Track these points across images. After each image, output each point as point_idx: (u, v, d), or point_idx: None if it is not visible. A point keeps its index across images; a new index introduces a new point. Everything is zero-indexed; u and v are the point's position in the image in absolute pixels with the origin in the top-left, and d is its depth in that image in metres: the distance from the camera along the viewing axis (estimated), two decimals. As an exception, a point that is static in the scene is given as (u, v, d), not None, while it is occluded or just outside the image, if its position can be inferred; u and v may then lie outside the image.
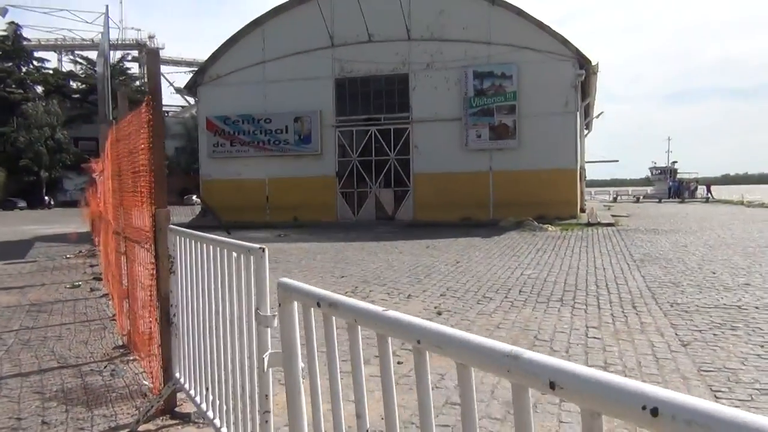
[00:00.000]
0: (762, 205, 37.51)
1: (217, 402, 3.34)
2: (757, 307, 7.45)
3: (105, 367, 5.45)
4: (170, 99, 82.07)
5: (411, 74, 24.20)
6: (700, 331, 6.34)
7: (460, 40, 23.41)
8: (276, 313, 2.06)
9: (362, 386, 1.47)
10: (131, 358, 5.71)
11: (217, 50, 26.45)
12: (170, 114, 74.42)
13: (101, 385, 4.92)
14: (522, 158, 22.83)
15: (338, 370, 1.59)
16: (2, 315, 7.88)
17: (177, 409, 4.30)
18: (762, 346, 5.69)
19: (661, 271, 10.62)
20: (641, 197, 54.93)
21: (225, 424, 3.21)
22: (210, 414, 3.49)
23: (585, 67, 22.41)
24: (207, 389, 3.55)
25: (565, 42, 22.40)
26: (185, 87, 28.24)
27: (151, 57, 4.33)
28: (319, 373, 1.71)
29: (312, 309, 1.62)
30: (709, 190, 50.83)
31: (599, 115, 33.71)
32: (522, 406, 0.91)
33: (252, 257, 2.59)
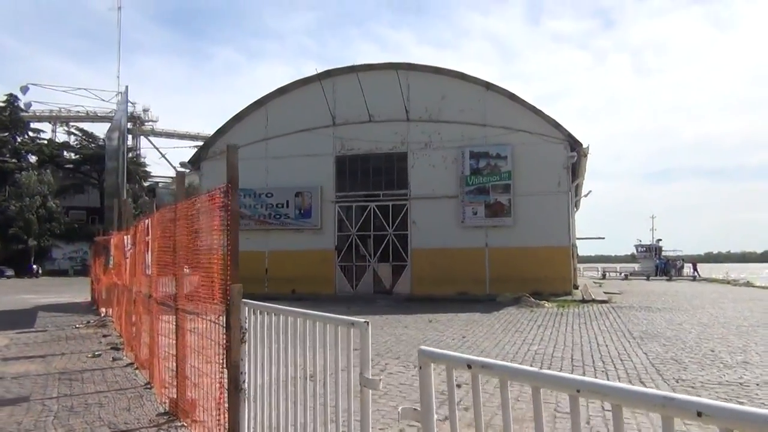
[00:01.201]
0: (747, 284, 38.34)
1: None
2: (758, 384, 7.89)
3: (157, 432, 5.77)
4: (160, 170, 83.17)
5: (410, 153, 25.17)
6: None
7: (457, 122, 24.52)
8: (381, 376, 2.50)
9: (510, 427, 1.94)
10: (179, 424, 6.01)
11: (221, 127, 27.41)
12: (161, 185, 75.31)
13: (159, 450, 5.24)
14: (517, 235, 23.54)
15: (482, 420, 2.05)
16: (36, 383, 8.14)
17: (242, 470, 4.64)
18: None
19: (662, 348, 11.06)
20: (629, 275, 55.67)
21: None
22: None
23: (576, 149, 23.49)
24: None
25: (557, 125, 23.56)
26: (189, 161, 29.01)
27: (231, 151, 4.92)
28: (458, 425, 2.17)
29: (454, 370, 2.11)
30: (695, 268, 51.72)
31: (588, 194, 34.80)
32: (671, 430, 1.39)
33: (358, 329, 3.07)
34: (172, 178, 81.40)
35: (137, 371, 8.98)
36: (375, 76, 25.47)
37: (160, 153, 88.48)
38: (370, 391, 2.94)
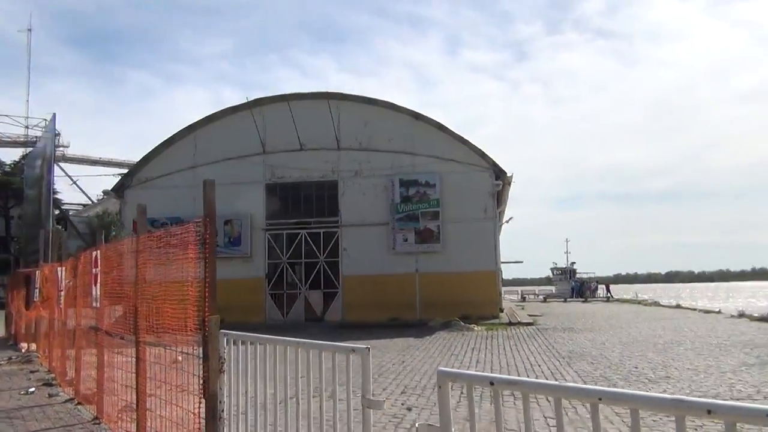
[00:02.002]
0: (655, 304, 40.68)
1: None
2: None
3: (120, 466, 5.72)
4: (71, 197, 79.62)
5: (340, 181, 25.50)
6: (641, 418, 7.32)
7: (387, 151, 25.10)
8: (382, 398, 2.77)
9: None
10: (141, 457, 5.98)
11: (147, 154, 26.88)
12: (71, 213, 72.23)
13: (128, 483, 5.23)
14: (446, 261, 24.19)
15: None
16: (-27, 423, 7.82)
17: (220, 498, 4.72)
18: (695, 430, 6.70)
19: (590, 366, 11.73)
20: (547, 297, 57.67)
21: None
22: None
23: (501, 178, 24.52)
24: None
25: (483, 155, 24.54)
26: (112, 189, 28.20)
27: (208, 186, 5.08)
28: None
29: (474, 387, 2.40)
30: (608, 290, 54.22)
31: (509, 220, 36.10)
32: (683, 427, 1.72)
33: (359, 355, 3.33)
34: (84, 205, 78.19)
35: (79, 407, 8.74)
36: (306, 105, 25.75)
37: (72, 180, 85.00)
38: (371, 411, 3.19)
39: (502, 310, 26.21)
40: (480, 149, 24.70)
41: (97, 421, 7.64)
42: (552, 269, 74.14)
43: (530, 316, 26.54)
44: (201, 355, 4.94)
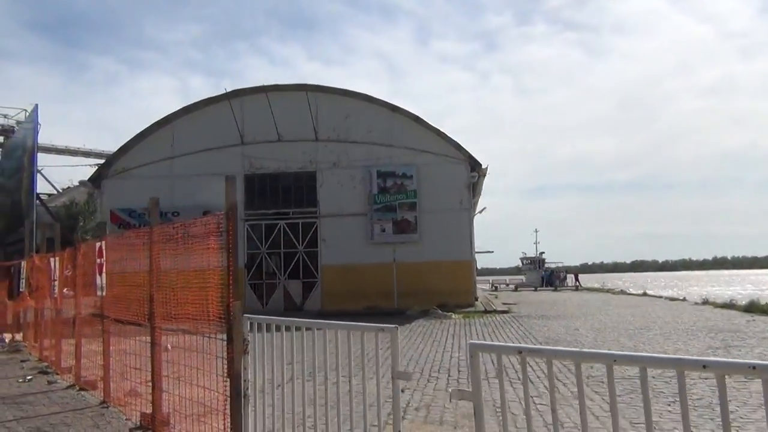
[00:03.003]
0: (622, 292, 41.97)
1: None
2: (653, 377, 9.21)
3: (141, 444, 6.09)
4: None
5: (318, 172, 25.84)
6: (618, 395, 7.91)
7: (365, 142, 25.51)
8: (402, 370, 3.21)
9: (555, 404, 2.71)
10: (158, 436, 6.34)
11: (124, 145, 26.84)
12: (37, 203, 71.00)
13: (153, 458, 5.60)
14: (423, 251, 24.75)
15: (530, 395, 2.82)
16: (-14, 408, 8.07)
17: (245, 469, 5.13)
18: (669, 405, 7.31)
19: (567, 350, 12.36)
20: (518, 286, 58.79)
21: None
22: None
23: (476, 169, 25.13)
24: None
25: (459, 147, 25.12)
26: (89, 180, 28.08)
27: (230, 184, 5.46)
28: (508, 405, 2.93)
29: (503, 356, 2.86)
30: (576, 279, 55.55)
31: (482, 210, 36.80)
32: (683, 380, 2.20)
33: (388, 333, 3.79)
34: (48, 195, 76.88)
35: (82, 392, 9.02)
36: (284, 96, 25.96)
37: (36, 169, 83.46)
38: (400, 382, 3.65)
39: (477, 299, 26.89)
40: (456, 141, 25.27)
41: (105, 405, 7.95)
42: (522, 259, 75.40)
43: (504, 304, 27.30)
44: (225, 338, 5.34)
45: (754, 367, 2.00)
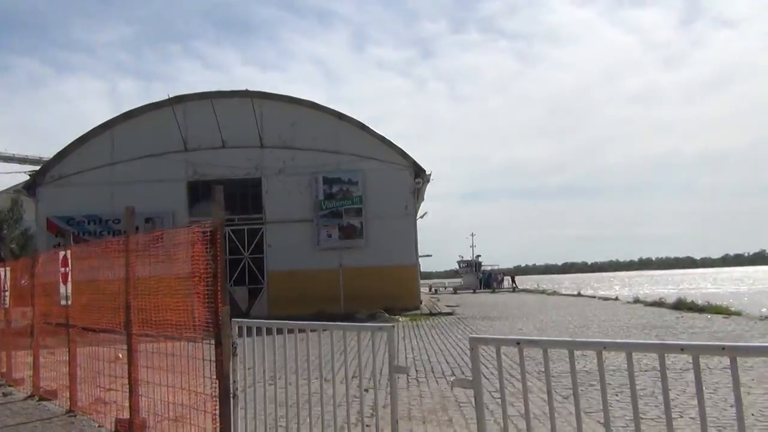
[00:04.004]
0: (555, 293, 43.52)
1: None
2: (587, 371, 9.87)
3: (122, 449, 6.21)
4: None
5: (264, 178, 25.88)
6: (569, 388, 8.49)
7: (311, 149, 25.72)
8: (404, 364, 3.57)
9: (551, 388, 3.12)
10: (137, 440, 6.46)
11: (62, 150, 26.15)
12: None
13: (138, 461, 5.75)
14: (369, 256, 25.14)
15: (527, 384, 3.23)
16: (-57, 421, 7.93)
17: (234, 466, 5.36)
18: (617, 394, 7.92)
19: (514, 350, 12.94)
20: (456, 289, 59.86)
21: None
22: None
23: (420, 176, 25.74)
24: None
25: (403, 154, 25.67)
26: (24, 187, 27.20)
27: (217, 192, 5.68)
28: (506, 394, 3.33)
29: (501, 348, 3.25)
30: (513, 281, 57.07)
31: (424, 215, 37.48)
32: (663, 361, 2.64)
33: (384, 332, 4.14)
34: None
35: (43, 402, 8.95)
36: (228, 103, 25.89)
37: None
38: (399, 375, 4.01)
39: (421, 302, 27.48)
40: (400, 148, 25.83)
41: (72, 414, 7.96)
42: (458, 262, 76.61)
43: (448, 306, 27.99)
44: (210, 342, 5.57)
45: (723, 348, 2.46)
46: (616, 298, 31.21)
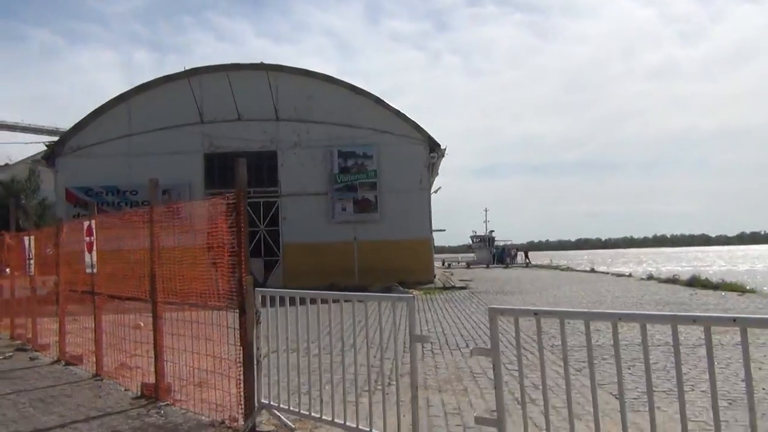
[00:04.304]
0: (569, 269, 43.54)
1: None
2: (611, 345, 10.02)
3: (148, 411, 6.43)
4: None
5: (279, 151, 26.03)
6: (584, 362, 8.64)
7: (326, 122, 25.79)
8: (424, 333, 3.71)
9: (567, 358, 3.25)
10: (162, 403, 6.65)
11: (79, 122, 26.41)
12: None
13: (165, 423, 5.97)
14: (383, 229, 25.33)
15: (544, 353, 3.37)
16: (-26, 383, 8.23)
17: (258, 429, 5.58)
18: (629, 368, 8.04)
19: (528, 323, 13.07)
20: (470, 264, 60.02)
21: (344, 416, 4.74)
22: (323, 415, 4.96)
23: (435, 150, 25.76)
24: (315, 400, 5.03)
25: (418, 128, 25.68)
26: (42, 157, 27.56)
27: (239, 165, 5.81)
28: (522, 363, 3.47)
29: (519, 319, 3.39)
30: (527, 256, 57.12)
31: (437, 190, 37.53)
32: (676, 332, 2.75)
33: (405, 302, 4.29)
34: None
35: (69, 367, 9.23)
36: (244, 75, 25.95)
37: None
38: (419, 344, 4.17)
39: (435, 276, 27.68)
40: (415, 122, 25.84)
41: (99, 378, 8.22)
42: (472, 237, 76.58)
43: (461, 281, 28.16)
44: (234, 310, 5.75)
45: (734, 320, 2.57)
46: (630, 275, 31.18)
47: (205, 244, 6.00)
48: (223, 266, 5.81)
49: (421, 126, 26.00)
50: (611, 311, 3.00)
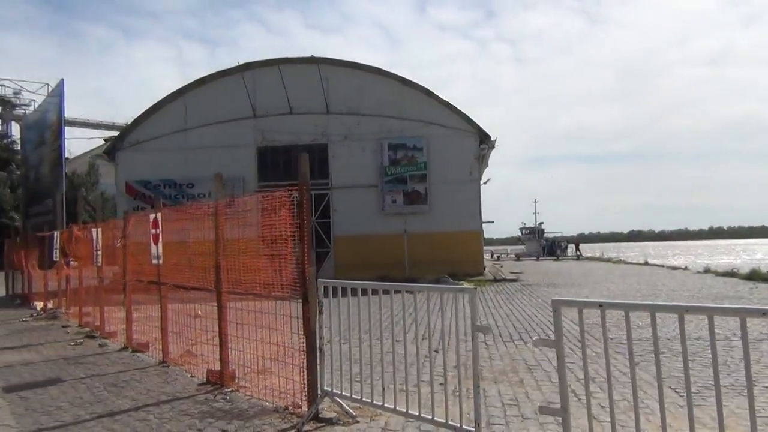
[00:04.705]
0: (624, 262, 42.71)
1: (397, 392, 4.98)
2: (669, 339, 9.89)
3: (215, 396, 6.71)
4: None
5: (330, 144, 26.33)
6: (640, 355, 8.58)
7: (375, 115, 25.97)
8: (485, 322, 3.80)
9: (632, 350, 3.31)
10: (227, 389, 6.92)
11: (138, 117, 27.26)
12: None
13: (231, 408, 6.22)
14: (433, 221, 25.40)
15: (608, 345, 3.42)
16: (50, 368, 8.71)
17: (321, 415, 5.77)
18: (693, 360, 7.96)
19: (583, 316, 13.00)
20: (519, 256, 59.54)
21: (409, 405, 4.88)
22: (385, 403, 5.11)
23: (486, 142, 25.65)
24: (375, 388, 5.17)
25: (469, 120, 25.60)
26: (104, 152, 28.59)
27: (302, 160, 6.00)
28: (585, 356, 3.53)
29: (584, 310, 3.45)
30: (578, 248, 56.30)
31: (487, 181, 37.33)
32: (744, 325, 2.79)
33: (467, 293, 4.38)
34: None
35: (136, 354, 9.66)
36: (295, 69, 26.31)
37: (63, 142, 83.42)
38: (481, 333, 4.27)
39: (485, 268, 27.62)
40: (466, 114, 25.76)
41: (165, 364, 8.58)
42: (521, 229, 76.04)
43: (511, 273, 28.02)
44: (298, 300, 5.96)
45: (805, 313, 2.59)
46: (686, 268, 30.44)
47: (270, 236, 6.21)
48: (287, 257, 6.00)
49: (471, 117, 25.92)
50: (678, 303, 3.03)
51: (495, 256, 59.98)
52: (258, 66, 26.78)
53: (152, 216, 9.04)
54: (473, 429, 4.35)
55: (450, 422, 4.59)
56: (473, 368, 4.37)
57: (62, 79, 16.31)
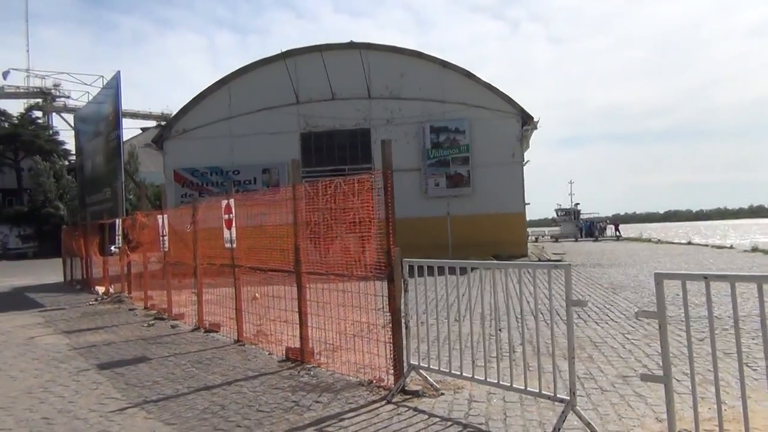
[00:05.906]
0: (666, 242, 42.23)
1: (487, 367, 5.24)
2: (729, 316, 9.95)
3: (299, 372, 7.06)
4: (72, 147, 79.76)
5: (372, 129, 26.57)
6: (698, 337, 8.69)
7: (417, 99, 26.11)
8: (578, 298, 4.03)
9: (738, 323, 3.50)
10: (309, 366, 7.27)
11: (184, 106, 27.83)
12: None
13: (318, 382, 6.56)
14: (476, 204, 25.52)
15: (713, 317, 3.63)
16: (132, 347, 9.18)
17: (407, 388, 6.07)
18: (753, 338, 8.05)
19: (635, 295, 13.09)
20: (557, 237, 59.18)
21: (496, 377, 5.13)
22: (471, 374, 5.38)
23: (528, 123, 25.62)
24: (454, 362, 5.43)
25: (510, 101, 25.57)
26: (152, 140, 29.31)
27: (385, 146, 6.26)
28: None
29: (687, 283, 3.66)
30: (617, 229, 55.73)
31: (526, 163, 37.17)
32: None
33: (561, 270, 4.61)
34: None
35: (210, 334, 10.09)
36: (336, 55, 26.56)
37: (121, 133, 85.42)
38: (573, 309, 4.50)
39: (528, 250, 27.66)
40: (507, 95, 25.72)
41: (241, 343, 8.98)
42: (557, 210, 75.33)
43: (555, 254, 28.02)
44: (383, 280, 6.25)
45: None
46: (731, 246, 30.03)
47: (352, 218, 6.50)
48: (370, 238, 6.29)
49: (513, 98, 25.87)
50: (754, 273, 3.20)
51: (534, 238, 59.74)
52: (299, 53, 27.07)
53: (224, 202, 9.41)
54: (567, 398, 4.58)
55: (543, 392, 4.83)
56: (568, 341, 4.60)
57: (118, 71, 16.77)
